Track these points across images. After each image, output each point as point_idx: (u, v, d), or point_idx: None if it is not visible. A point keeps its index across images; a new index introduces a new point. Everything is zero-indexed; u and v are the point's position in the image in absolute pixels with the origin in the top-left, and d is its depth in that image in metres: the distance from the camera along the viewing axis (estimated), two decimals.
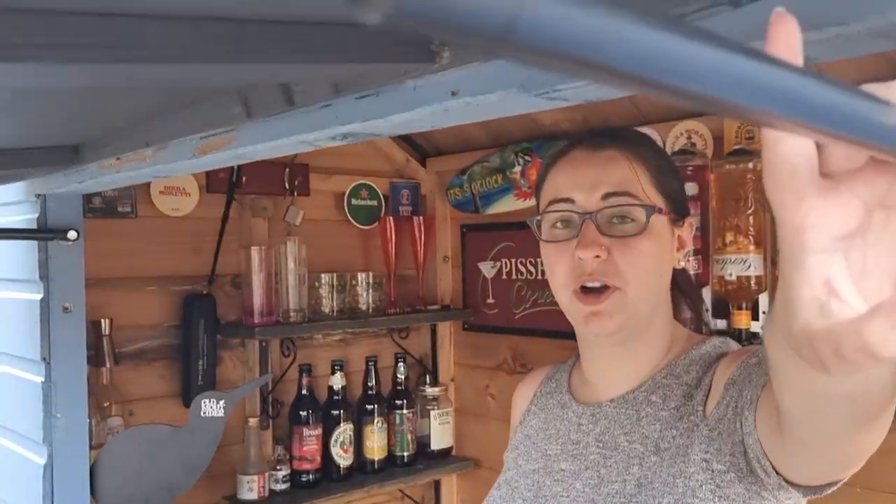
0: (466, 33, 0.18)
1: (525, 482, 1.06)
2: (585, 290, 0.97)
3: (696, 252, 1.72)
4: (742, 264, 1.60)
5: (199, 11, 0.47)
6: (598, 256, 0.95)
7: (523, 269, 2.52)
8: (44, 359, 1.55)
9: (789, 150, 0.36)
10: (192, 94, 0.88)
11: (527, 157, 2.39)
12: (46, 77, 0.46)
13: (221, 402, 1.66)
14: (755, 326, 1.63)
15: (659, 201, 0.98)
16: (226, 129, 0.94)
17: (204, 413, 1.68)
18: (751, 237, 1.61)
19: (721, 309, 1.71)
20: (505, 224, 2.54)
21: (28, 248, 1.60)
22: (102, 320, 1.98)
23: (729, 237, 1.65)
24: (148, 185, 2.12)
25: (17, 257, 1.63)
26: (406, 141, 2.73)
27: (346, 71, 0.63)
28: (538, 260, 2.49)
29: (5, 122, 0.98)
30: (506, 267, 2.57)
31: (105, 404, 1.95)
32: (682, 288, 1.10)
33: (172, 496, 1.69)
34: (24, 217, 1.62)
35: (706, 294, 1.75)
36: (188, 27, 0.46)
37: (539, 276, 2.47)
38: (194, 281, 2.23)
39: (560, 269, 0.98)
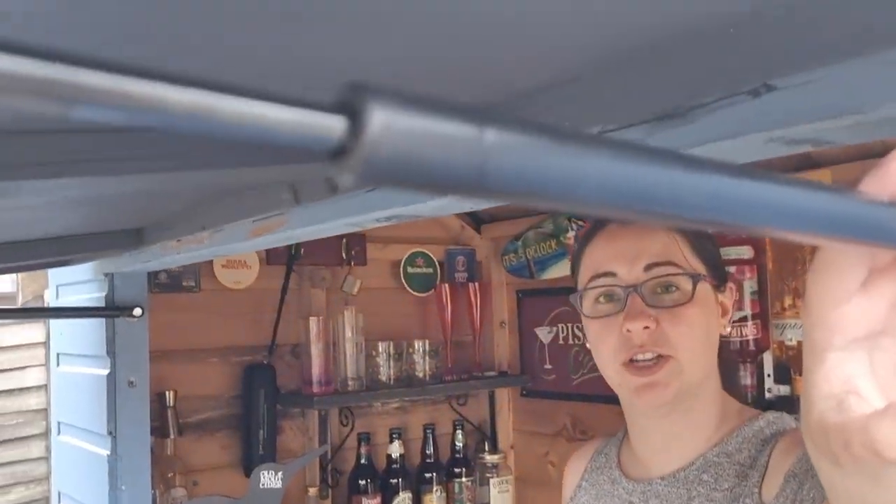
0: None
1: None
2: (635, 363, 0.95)
3: (754, 316, 1.68)
4: (801, 329, 1.56)
5: None
6: (647, 327, 0.93)
7: (580, 335, 2.49)
8: (110, 432, 1.60)
9: (845, 256, 0.37)
10: (243, 182, 0.93)
11: (580, 223, 2.40)
12: (99, 188, 0.50)
13: (280, 474, 1.68)
14: None
15: (701, 268, 0.98)
16: (277, 212, 0.98)
17: (262, 485, 1.70)
18: None
19: (783, 374, 1.66)
20: (560, 289, 2.53)
21: (97, 324, 1.67)
22: (167, 392, 2.03)
23: (788, 301, 1.61)
24: (211, 259, 2.20)
25: (87, 334, 1.70)
26: None
27: None
28: None
29: (76, 213, 1.05)
30: (562, 332, 2.55)
31: (169, 475, 1.99)
32: (722, 355, 1.07)
33: None
34: (93, 295, 1.70)
35: (767, 359, 1.71)
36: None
37: None
38: (255, 351, 2.28)
39: (607, 344, 0.97)
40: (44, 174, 0.43)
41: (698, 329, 0.95)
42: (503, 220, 2.73)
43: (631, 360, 0.95)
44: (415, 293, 2.61)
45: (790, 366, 1.64)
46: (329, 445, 2.24)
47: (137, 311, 1.60)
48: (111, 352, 1.60)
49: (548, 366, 2.60)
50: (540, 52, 0.53)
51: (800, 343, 1.59)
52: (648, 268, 0.95)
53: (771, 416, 0.99)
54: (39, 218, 1.00)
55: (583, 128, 0.58)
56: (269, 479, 1.68)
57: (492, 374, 2.65)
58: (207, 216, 1.10)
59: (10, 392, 4.70)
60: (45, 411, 4.76)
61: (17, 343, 4.74)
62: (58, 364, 1.93)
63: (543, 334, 2.61)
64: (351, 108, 0.19)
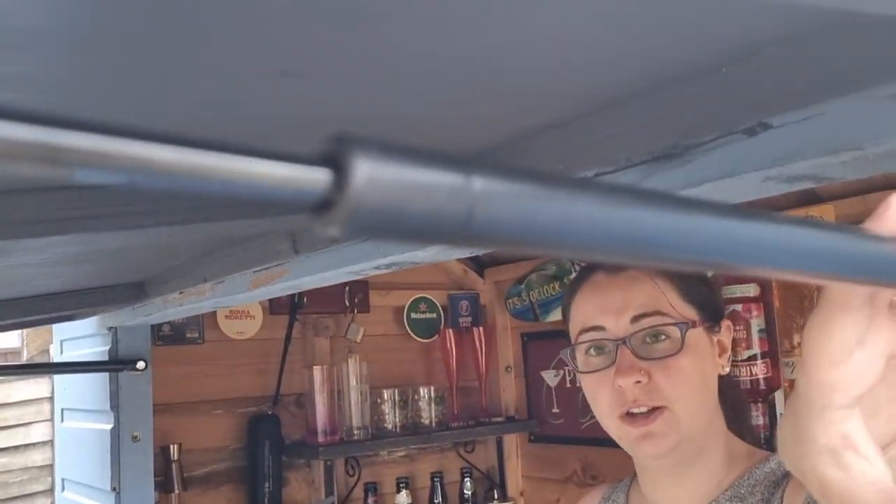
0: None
1: None
2: (631, 415, 0.93)
3: (763, 355, 1.66)
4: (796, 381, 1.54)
5: None
6: (638, 382, 0.91)
7: None
8: (114, 488, 1.58)
9: (844, 313, 0.36)
10: (242, 233, 0.93)
11: (582, 264, 2.39)
12: (92, 243, 0.50)
13: None
14: None
15: (691, 313, 0.95)
16: (277, 263, 0.97)
17: None
18: None
19: None
20: (566, 332, 2.51)
21: (100, 379, 1.66)
22: (171, 446, 2.01)
23: (796, 338, 1.59)
24: (214, 311, 2.19)
25: (90, 388, 1.69)
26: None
27: None
28: None
29: (77, 268, 1.05)
30: (569, 375, 2.52)
31: None
32: (728, 394, 1.03)
33: None
34: (97, 349, 1.69)
35: (779, 398, 1.69)
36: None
37: None
38: (259, 402, 2.26)
39: (602, 398, 0.94)
40: (41, 232, 0.43)
41: (692, 377, 0.93)
42: (506, 263, 2.72)
43: (627, 413, 0.92)
44: (419, 339, 2.59)
45: None
46: (335, 497, 2.20)
47: (141, 365, 1.59)
48: (115, 406, 1.58)
49: (555, 410, 2.56)
50: (532, 96, 0.53)
51: None
52: (635, 319, 0.93)
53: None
54: (40, 273, 1.00)
55: (578, 171, 0.58)
56: None
57: (499, 419, 2.62)
58: (208, 268, 1.10)
59: (15, 448, 4.65)
60: (50, 467, 4.71)
61: (22, 399, 4.71)
62: (62, 420, 1.91)
63: (550, 378, 2.58)
64: (335, 160, 0.19)
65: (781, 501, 0.88)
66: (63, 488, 1.89)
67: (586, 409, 2.59)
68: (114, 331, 1.62)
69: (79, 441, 1.79)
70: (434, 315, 2.64)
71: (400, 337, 2.58)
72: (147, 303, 1.35)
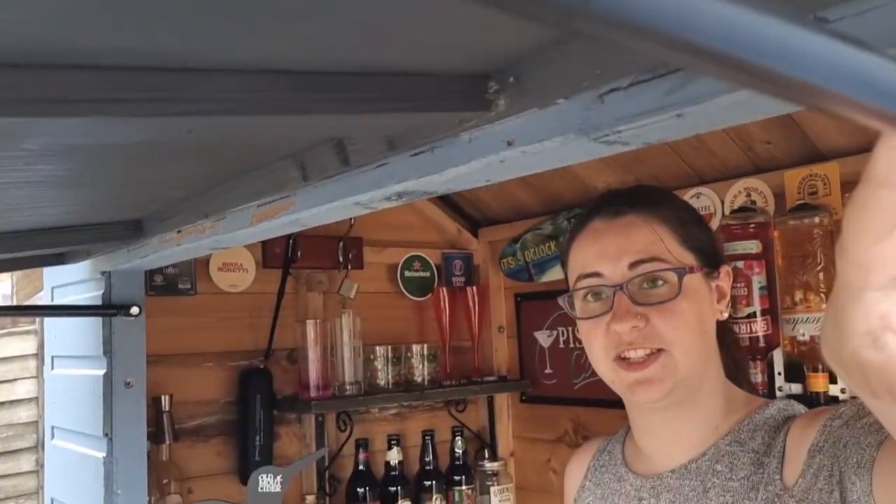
0: (539, 7, 0.17)
1: None
2: (627, 360, 0.93)
3: (763, 312, 1.66)
4: (815, 323, 1.54)
5: (253, 65, 0.48)
6: (635, 327, 0.92)
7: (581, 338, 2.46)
8: (106, 434, 1.56)
9: (885, 193, 0.35)
10: (249, 159, 0.90)
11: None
12: (110, 132, 0.47)
13: (279, 478, 1.63)
14: (833, 389, 1.54)
15: (688, 259, 0.95)
16: (282, 195, 0.95)
17: (261, 489, 1.65)
18: (822, 295, 1.55)
19: (795, 372, 1.63)
20: (560, 291, 2.50)
21: (93, 325, 1.63)
22: (163, 396, 1.99)
23: (798, 295, 1.59)
24: (207, 261, 2.16)
25: (82, 334, 1.66)
26: (457, 212, 2.74)
27: (400, 122, 0.63)
28: None
29: (74, 198, 1.02)
30: (563, 335, 2.52)
31: (164, 481, 1.94)
32: (727, 343, 1.04)
33: None
34: (90, 295, 1.66)
35: (777, 356, 1.69)
36: (244, 80, 0.47)
37: None
38: (251, 356, 2.24)
39: (597, 342, 0.96)
40: (61, 112, 0.40)
41: (690, 321, 0.93)
42: (500, 223, 2.70)
43: (622, 357, 0.93)
44: (412, 297, 2.58)
45: (803, 362, 1.62)
46: (327, 448, 2.20)
47: (135, 310, 1.56)
48: (108, 352, 1.56)
49: (548, 370, 2.56)
50: None
51: (812, 339, 1.57)
52: (633, 265, 0.93)
53: (781, 403, 0.97)
54: (35, 198, 0.96)
55: (613, 79, 0.55)
56: (268, 482, 1.63)
57: (491, 378, 2.61)
58: (210, 202, 1.07)
59: (0, 404, 4.63)
60: (35, 424, 4.70)
61: (8, 355, 4.68)
62: (52, 367, 1.88)
63: (543, 338, 2.57)
64: None
65: (785, 444, 0.88)
66: (53, 436, 1.86)
67: (580, 369, 2.59)
68: (107, 275, 1.59)
69: (70, 388, 1.77)
70: (428, 274, 2.62)
71: (393, 295, 2.56)
72: (143, 243, 1.31)
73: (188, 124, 0.47)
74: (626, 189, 1.05)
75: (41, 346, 4.72)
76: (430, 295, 2.59)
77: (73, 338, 1.75)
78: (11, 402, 4.64)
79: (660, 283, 0.93)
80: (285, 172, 0.87)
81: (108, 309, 1.55)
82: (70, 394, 1.77)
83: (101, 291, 1.61)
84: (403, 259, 2.57)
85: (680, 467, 0.96)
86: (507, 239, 2.63)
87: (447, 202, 2.71)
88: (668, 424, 0.98)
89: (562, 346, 2.51)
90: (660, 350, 0.91)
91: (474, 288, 2.61)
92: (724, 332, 1.04)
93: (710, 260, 0.98)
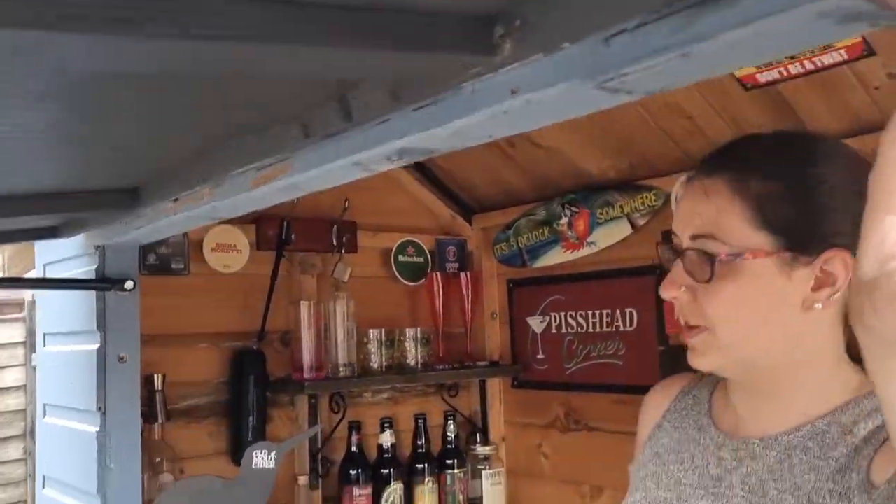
0: None
1: None
2: (687, 324, 0.94)
3: None
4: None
5: None
6: (675, 298, 0.92)
7: (573, 323, 2.48)
8: (99, 408, 1.56)
9: None
10: (251, 118, 0.90)
11: (573, 208, 2.39)
12: (113, 54, 0.47)
13: (273, 454, 1.63)
14: None
15: (757, 240, 0.87)
16: (281, 156, 0.95)
17: (255, 465, 1.65)
18: None
19: None
20: (553, 277, 2.52)
21: (86, 300, 1.63)
22: (155, 375, 1.98)
23: None
24: (200, 242, 2.16)
25: (75, 310, 1.65)
26: (451, 198, 2.74)
27: (405, 65, 0.63)
28: (589, 313, 2.45)
29: (69, 158, 1.01)
30: (555, 321, 2.53)
31: (157, 460, 1.94)
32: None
33: None
34: (83, 270, 1.65)
35: None
36: (255, 7, 0.47)
37: (590, 329, 2.42)
38: (244, 337, 2.24)
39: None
40: (77, 28, 0.40)
41: (738, 305, 0.89)
42: (493, 209, 2.71)
43: (684, 321, 0.94)
44: (405, 282, 2.58)
45: None
46: (321, 426, 2.20)
47: (129, 285, 1.56)
48: (101, 326, 1.56)
49: (540, 355, 2.57)
50: None
51: None
52: (693, 238, 0.91)
53: None
54: (32, 156, 0.95)
55: (617, 21, 0.56)
56: (263, 458, 1.63)
57: (483, 363, 2.62)
58: (208, 167, 1.06)
59: None
60: (24, 412, 4.67)
61: None
62: (44, 345, 1.88)
63: (536, 323, 2.58)
64: None
65: (884, 437, 0.82)
66: (45, 414, 1.86)
67: (571, 354, 2.60)
68: (101, 250, 1.58)
69: (63, 364, 1.76)
70: (421, 259, 2.62)
71: (386, 279, 2.56)
72: (139, 213, 1.31)
73: (194, 50, 0.47)
74: (730, 146, 0.97)
75: (30, 334, 4.70)
76: (423, 280, 2.60)
77: (66, 314, 1.75)
78: (0, 389, 4.62)
79: (714, 262, 0.88)
80: (286, 131, 0.88)
81: (101, 283, 1.55)
82: (63, 370, 1.76)
83: (95, 266, 1.61)
84: (397, 244, 2.57)
85: (769, 437, 0.92)
86: (501, 225, 2.64)
87: (441, 188, 2.71)
88: (755, 397, 0.95)
89: (554, 331, 2.52)
90: (703, 328, 0.90)
91: (467, 274, 2.62)
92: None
93: (800, 242, 0.87)
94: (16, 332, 4.69)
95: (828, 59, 1.65)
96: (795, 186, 0.89)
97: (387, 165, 0.90)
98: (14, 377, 4.69)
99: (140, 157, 1.05)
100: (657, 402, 1.10)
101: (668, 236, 0.96)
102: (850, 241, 0.71)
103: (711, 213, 0.90)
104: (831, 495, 0.82)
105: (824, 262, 0.87)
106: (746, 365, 0.92)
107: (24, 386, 4.69)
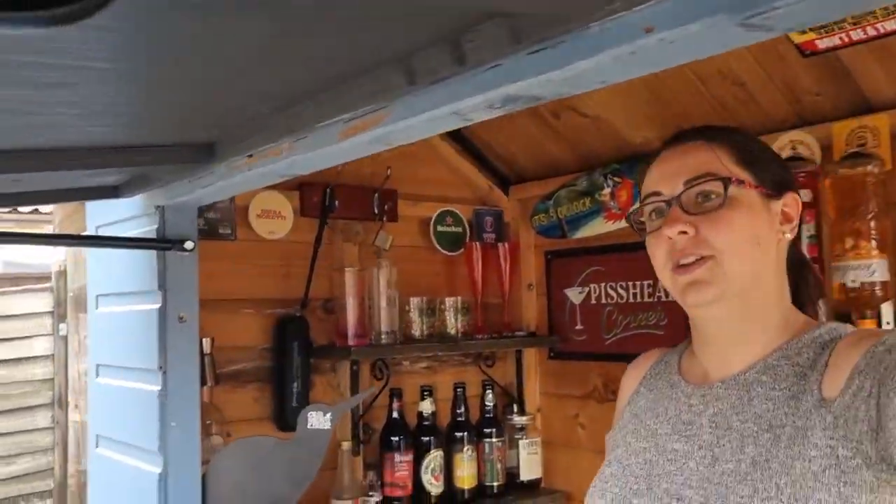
0: None
1: (636, 460, 1.07)
2: (681, 266, 1.01)
3: (813, 260, 1.66)
4: (865, 270, 1.55)
5: None
6: (684, 232, 0.99)
7: (613, 294, 2.48)
8: (160, 367, 1.57)
9: None
10: (349, 62, 0.89)
11: (616, 179, 2.38)
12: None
13: (328, 415, 1.65)
14: None
15: (745, 176, 1.01)
16: (378, 105, 0.94)
17: (311, 425, 1.67)
18: (874, 241, 1.55)
19: (843, 319, 1.64)
20: (594, 248, 2.51)
21: (144, 261, 1.63)
22: (204, 339, 1.99)
23: (849, 242, 1.59)
24: (246, 208, 2.16)
25: (132, 271, 1.66)
26: (488, 169, 2.74)
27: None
28: (629, 283, 2.45)
29: (146, 103, 1.00)
30: (595, 292, 2.53)
31: (207, 422, 1.95)
32: (797, 267, 1.10)
33: None
34: (141, 230, 1.66)
35: (823, 306, 1.69)
36: None
37: (631, 300, 2.42)
38: (287, 304, 2.25)
39: (659, 254, 1.03)
40: None
41: (741, 232, 0.99)
42: (531, 180, 2.70)
43: (679, 265, 1.01)
44: (444, 252, 2.58)
45: (850, 310, 1.63)
46: (375, 389, 2.22)
47: (189, 245, 1.57)
48: (162, 286, 1.56)
49: (579, 327, 2.58)
50: None
51: (863, 285, 1.58)
52: (688, 182, 1.01)
53: (832, 324, 1.02)
54: (112, 100, 0.94)
55: None
56: (318, 420, 1.65)
57: (521, 333, 2.63)
58: (292, 119, 1.06)
59: (17, 361, 4.64)
60: (51, 381, 4.71)
61: (24, 312, 4.68)
62: (96, 306, 1.89)
63: (574, 295, 2.59)
64: None
65: (829, 359, 0.94)
66: (97, 374, 1.87)
67: (611, 325, 2.60)
68: (161, 210, 1.58)
69: (118, 325, 1.77)
70: (459, 229, 2.63)
71: (425, 249, 2.57)
72: (209, 170, 1.31)
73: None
74: (702, 125, 1.11)
75: (57, 304, 4.73)
76: (461, 250, 2.60)
77: (119, 275, 1.76)
78: (28, 358, 4.66)
79: (713, 196, 0.99)
80: (387, 78, 0.87)
81: (163, 242, 1.55)
82: (119, 331, 1.77)
83: (151, 227, 1.61)
84: (436, 213, 2.57)
85: (729, 378, 1.02)
86: (538, 196, 2.63)
87: (478, 158, 2.71)
88: (722, 336, 1.05)
89: (593, 302, 2.53)
90: (708, 257, 0.99)
91: (505, 245, 2.62)
92: (796, 257, 1.10)
93: (771, 182, 1.03)
94: (43, 303, 4.72)
95: (890, 25, 1.63)
96: (760, 145, 1.09)
97: (485, 115, 0.89)
98: (42, 346, 4.73)
99: (218, 108, 1.04)
100: (634, 375, 1.22)
101: (649, 197, 1.06)
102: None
103: (700, 160, 1.02)
104: (787, 417, 0.93)
105: (784, 204, 1.03)
106: (737, 295, 1.00)
107: (52, 355, 4.73)
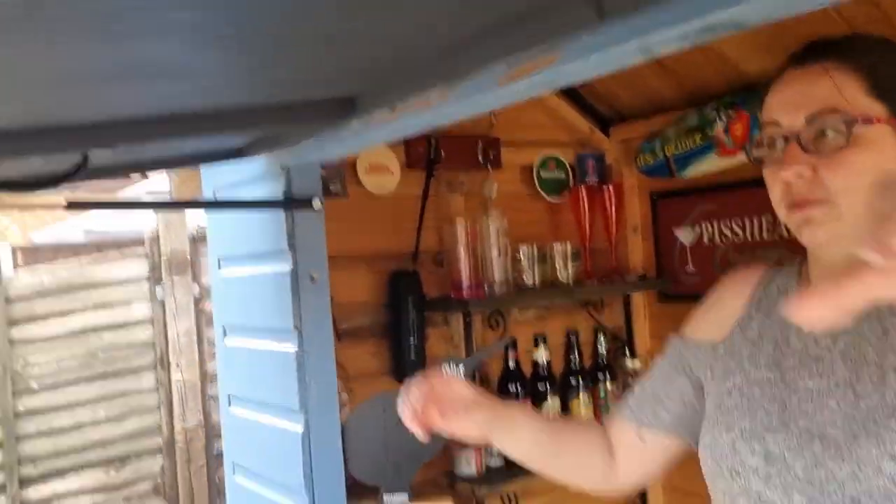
0: None
1: (762, 393, 1.02)
2: (797, 203, 0.96)
3: None
4: None
5: None
6: (801, 176, 0.94)
7: (728, 234, 2.39)
8: (296, 327, 1.57)
9: None
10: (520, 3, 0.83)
11: (730, 112, 2.27)
12: None
13: (461, 367, 1.63)
14: None
15: (876, 109, 0.93)
16: (548, 46, 0.89)
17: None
18: None
19: None
20: (703, 187, 2.42)
21: (270, 222, 1.63)
22: None
23: None
24: (354, 164, 2.14)
25: (261, 232, 1.66)
26: (586, 110, 2.65)
27: None
28: (747, 221, 2.36)
29: (286, 59, 0.97)
30: (707, 231, 2.45)
31: None
32: None
33: (419, 462, 1.68)
34: (263, 192, 1.65)
35: None
36: None
37: (748, 238, 2.33)
38: (398, 258, 2.24)
39: (775, 190, 0.99)
40: None
41: (862, 175, 0.92)
42: (632, 119, 2.61)
43: (794, 203, 0.96)
44: (547, 198, 2.53)
45: None
46: (510, 338, 2.22)
47: (317, 204, 1.55)
48: (292, 245, 1.56)
49: (690, 268, 2.50)
50: None
51: None
52: (810, 117, 0.94)
53: None
54: (254, 55, 0.91)
55: None
56: (452, 371, 1.63)
57: (632, 278, 2.57)
58: (447, 66, 1.02)
59: (120, 326, 4.81)
60: (152, 344, 4.87)
61: (122, 278, 4.83)
62: (219, 268, 1.90)
63: (684, 235, 2.51)
64: None
65: None
66: (225, 334, 1.90)
67: (726, 265, 2.52)
68: (286, 170, 1.57)
69: (246, 286, 1.79)
70: (562, 175, 2.57)
71: (529, 196, 2.52)
72: (345, 127, 1.28)
73: None
74: (830, 38, 1.01)
75: (153, 268, 4.86)
76: (564, 195, 2.54)
77: (244, 237, 1.76)
78: (129, 324, 4.82)
79: (834, 134, 0.93)
80: (568, 11, 0.82)
81: (291, 202, 1.54)
82: (246, 292, 1.79)
83: (276, 188, 1.60)
84: (539, 159, 2.51)
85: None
86: (640, 136, 2.54)
87: (577, 100, 2.62)
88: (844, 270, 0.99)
89: (706, 242, 2.45)
90: (825, 200, 0.93)
91: (610, 187, 2.55)
92: None
93: None
94: (140, 269, 4.86)
95: None
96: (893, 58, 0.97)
97: (675, 47, 0.83)
98: (142, 312, 4.88)
99: (361, 61, 1.00)
100: (739, 293, 1.15)
101: (767, 126, 0.99)
102: None
103: (824, 92, 0.94)
104: None
105: None
106: (854, 236, 0.92)
107: (151, 320, 4.88)
